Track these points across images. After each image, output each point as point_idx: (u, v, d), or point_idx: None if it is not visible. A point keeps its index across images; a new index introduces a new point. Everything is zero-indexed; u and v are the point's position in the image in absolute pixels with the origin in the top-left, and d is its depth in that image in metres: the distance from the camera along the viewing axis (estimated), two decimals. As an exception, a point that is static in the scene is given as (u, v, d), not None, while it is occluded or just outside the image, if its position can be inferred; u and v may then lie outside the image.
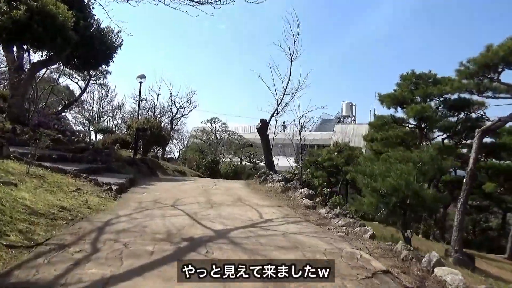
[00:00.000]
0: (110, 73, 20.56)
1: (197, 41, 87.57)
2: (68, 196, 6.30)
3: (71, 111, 40.79)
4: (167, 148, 45.35)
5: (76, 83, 20.11)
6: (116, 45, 15.13)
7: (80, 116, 42.73)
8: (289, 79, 18.07)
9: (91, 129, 38.10)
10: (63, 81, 20.86)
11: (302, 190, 9.03)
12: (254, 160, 40.34)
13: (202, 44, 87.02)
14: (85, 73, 19.96)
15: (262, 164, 39.93)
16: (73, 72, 19.93)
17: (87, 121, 42.98)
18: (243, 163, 40.50)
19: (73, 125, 40.82)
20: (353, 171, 31.01)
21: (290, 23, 16.54)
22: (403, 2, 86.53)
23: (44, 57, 14.12)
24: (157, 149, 18.57)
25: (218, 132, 40.28)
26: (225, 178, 27.79)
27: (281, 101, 18.10)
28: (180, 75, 77.28)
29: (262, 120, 17.02)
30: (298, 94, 17.39)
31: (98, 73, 20.19)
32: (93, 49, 14.17)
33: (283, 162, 43.51)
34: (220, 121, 40.63)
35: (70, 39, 12.32)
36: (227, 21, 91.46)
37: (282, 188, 10.54)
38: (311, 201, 8.16)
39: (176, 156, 46.55)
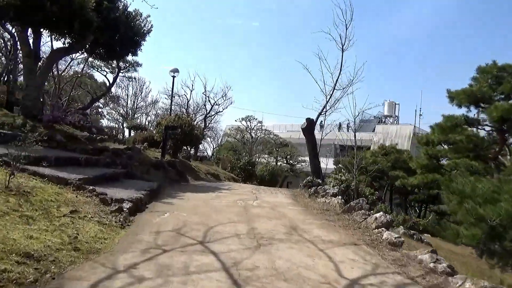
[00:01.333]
0: (141, 65, 18.91)
1: (231, 37, 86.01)
2: (52, 227, 4.28)
3: (107, 107, 40.45)
4: (200, 146, 44.16)
5: (105, 75, 18.67)
6: (144, 31, 13.29)
7: (114, 112, 42.33)
8: (340, 72, 15.61)
9: (125, 125, 37.42)
10: (89, 71, 19.42)
11: (377, 215, 6.60)
12: (291, 161, 37.92)
13: (235, 40, 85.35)
14: (114, 65, 18.44)
15: (300, 166, 37.42)
16: (102, 64, 18.44)
17: (121, 117, 42.50)
18: (279, 163, 38.23)
19: (107, 121, 40.29)
20: (401, 176, 27.98)
21: (342, 8, 14.12)
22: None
23: (66, 44, 12.57)
24: (190, 148, 16.68)
25: (253, 131, 38.21)
26: (261, 181, 25.67)
27: (330, 97, 15.70)
28: (212, 72, 75.91)
29: (308, 120, 14.67)
30: (353, 88, 14.93)
31: (128, 65, 18.58)
32: (118, 35, 12.38)
33: (324, 163, 40.86)
34: (256, 119, 38.57)
35: (90, 22, 10.54)
36: (260, 19, 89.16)
37: (343, 207, 8.15)
38: (397, 236, 5.72)
39: (210, 154, 45.26)
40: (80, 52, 13.87)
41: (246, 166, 22.53)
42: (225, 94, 25.66)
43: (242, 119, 38.65)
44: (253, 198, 9.12)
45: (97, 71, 18.40)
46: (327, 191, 10.08)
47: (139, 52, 13.48)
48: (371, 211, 7.55)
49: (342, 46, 15.67)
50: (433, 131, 25.97)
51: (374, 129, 49.47)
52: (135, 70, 18.76)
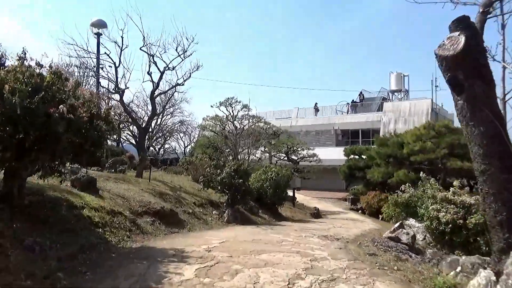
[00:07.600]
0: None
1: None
2: None
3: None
4: (172, 144, 32.67)
5: None
6: None
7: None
8: None
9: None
10: None
11: None
12: (293, 157, 27.28)
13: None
14: None
15: (306, 162, 26.88)
16: None
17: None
18: (274, 160, 27.68)
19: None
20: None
21: None
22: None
23: None
24: (56, 162, 5.65)
25: (237, 119, 27.25)
26: (259, 199, 15.06)
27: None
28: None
29: (463, 21, 3.83)
30: None
31: None
32: None
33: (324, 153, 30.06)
34: (240, 102, 27.44)
35: None
36: None
37: None
38: None
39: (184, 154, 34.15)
40: None
41: (232, 179, 11.68)
42: (184, 49, 14.01)
43: (221, 103, 27.60)
44: None
45: None
46: None
47: None
48: None
49: None
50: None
51: (381, 108, 39.43)
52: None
